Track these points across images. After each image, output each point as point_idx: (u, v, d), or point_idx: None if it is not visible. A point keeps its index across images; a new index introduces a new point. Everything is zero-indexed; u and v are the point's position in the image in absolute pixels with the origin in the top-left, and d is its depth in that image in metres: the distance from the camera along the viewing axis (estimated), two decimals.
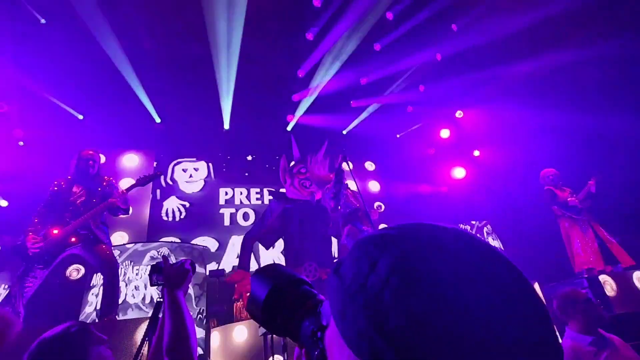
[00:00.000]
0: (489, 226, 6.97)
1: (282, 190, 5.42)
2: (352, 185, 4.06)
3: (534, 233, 6.26)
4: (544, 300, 0.49)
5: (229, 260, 6.41)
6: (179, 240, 6.01)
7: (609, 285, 3.46)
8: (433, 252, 0.35)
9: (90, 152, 3.58)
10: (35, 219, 3.18)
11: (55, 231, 3.11)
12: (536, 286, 3.25)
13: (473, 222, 6.99)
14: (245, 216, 6.98)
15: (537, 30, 6.04)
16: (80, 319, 4.45)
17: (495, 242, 6.80)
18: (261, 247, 5.63)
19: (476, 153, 8.27)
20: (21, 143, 5.41)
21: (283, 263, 5.54)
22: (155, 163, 6.66)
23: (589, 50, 5.85)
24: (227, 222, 6.81)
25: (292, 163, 5.25)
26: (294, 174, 4.56)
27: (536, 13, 5.78)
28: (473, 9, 6.30)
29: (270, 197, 5.73)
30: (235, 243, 6.45)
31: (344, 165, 3.65)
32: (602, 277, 3.52)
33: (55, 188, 3.39)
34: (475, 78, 7.30)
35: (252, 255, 5.27)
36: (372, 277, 0.35)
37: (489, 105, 7.67)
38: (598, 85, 6.09)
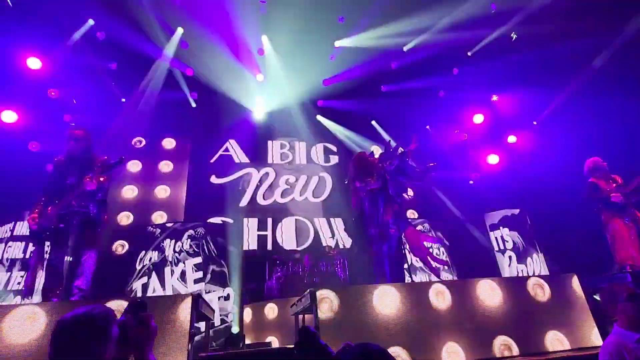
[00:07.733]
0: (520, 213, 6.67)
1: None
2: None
3: (572, 223, 5.98)
4: None
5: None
6: (221, 221, 6.17)
7: None
8: None
9: (73, 130, 3.53)
10: (42, 197, 3.27)
11: (49, 209, 3.20)
12: (575, 279, 3.15)
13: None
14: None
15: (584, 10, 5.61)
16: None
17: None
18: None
19: (512, 139, 7.91)
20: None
21: None
22: (189, 146, 6.87)
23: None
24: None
25: None
26: None
27: None
28: None
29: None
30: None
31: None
32: None
33: (55, 166, 3.38)
34: (515, 59, 6.93)
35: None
36: None
37: (528, 89, 7.25)
38: None
